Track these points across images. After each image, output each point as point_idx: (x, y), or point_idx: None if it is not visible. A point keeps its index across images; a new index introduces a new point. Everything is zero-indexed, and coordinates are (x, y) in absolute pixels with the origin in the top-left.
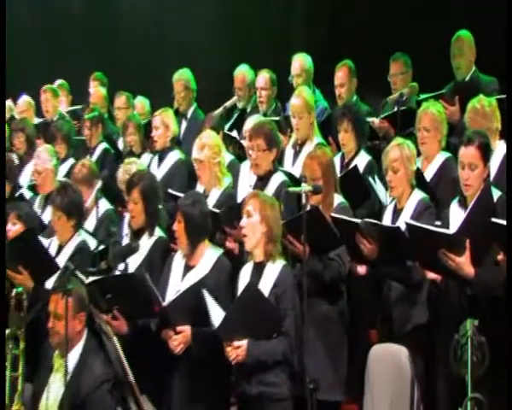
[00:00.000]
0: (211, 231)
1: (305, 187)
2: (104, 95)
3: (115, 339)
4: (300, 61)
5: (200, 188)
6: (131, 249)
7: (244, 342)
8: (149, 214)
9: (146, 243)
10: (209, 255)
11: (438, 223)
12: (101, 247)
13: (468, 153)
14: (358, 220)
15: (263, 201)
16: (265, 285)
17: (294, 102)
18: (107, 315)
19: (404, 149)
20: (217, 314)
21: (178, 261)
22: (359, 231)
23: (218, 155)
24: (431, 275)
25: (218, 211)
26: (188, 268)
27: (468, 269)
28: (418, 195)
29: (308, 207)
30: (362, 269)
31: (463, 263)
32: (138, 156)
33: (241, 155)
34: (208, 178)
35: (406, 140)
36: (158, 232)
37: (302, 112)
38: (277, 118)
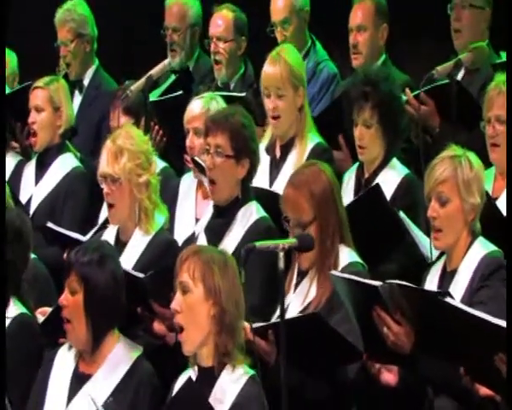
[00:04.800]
0: (125, 311)
1: (284, 242)
2: None
3: None
4: None
5: (110, 230)
6: None
7: None
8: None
9: None
10: (119, 357)
11: None
12: None
13: None
14: (378, 283)
15: (207, 263)
16: None
17: (269, 69)
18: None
19: (462, 166)
20: None
21: (64, 365)
22: (380, 303)
23: (145, 171)
24: (484, 391)
25: (140, 275)
26: (80, 379)
27: None
28: (483, 248)
29: (293, 283)
30: (390, 376)
31: None
32: None
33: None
34: (126, 210)
35: (466, 151)
36: (16, 310)
37: (283, 87)
38: (243, 94)
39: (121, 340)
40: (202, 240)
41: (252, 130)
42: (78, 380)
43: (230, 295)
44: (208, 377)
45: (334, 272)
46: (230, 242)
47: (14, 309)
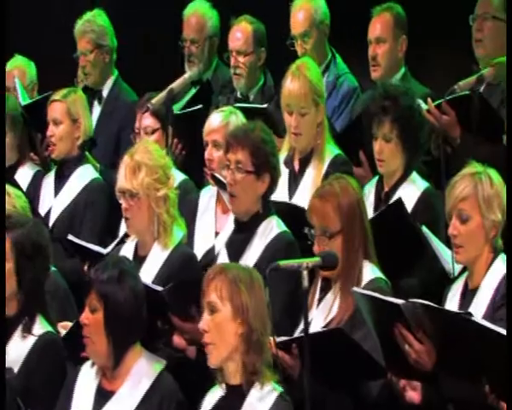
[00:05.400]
0: (145, 326)
1: (308, 261)
2: None
3: None
4: (307, 9)
5: (129, 245)
6: None
7: None
8: (25, 293)
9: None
10: (142, 372)
11: None
12: None
13: None
14: (400, 301)
15: (234, 282)
16: None
17: (290, 86)
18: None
19: (482, 183)
20: None
21: (87, 382)
22: (402, 321)
23: (163, 185)
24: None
25: (159, 289)
26: (103, 396)
27: None
28: (505, 265)
29: (316, 298)
30: (414, 394)
31: None
32: (12, 171)
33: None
34: (145, 225)
35: (487, 168)
36: (42, 328)
37: (306, 106)
38: (265, 105)
39: (144, 354)
40: (223, 255)
41: (272, 145)
42: (102, 397)
43: (257, 313)
44: (237, 395)
45: (356, 288)
46: (251, 256)
47: (39, 327)
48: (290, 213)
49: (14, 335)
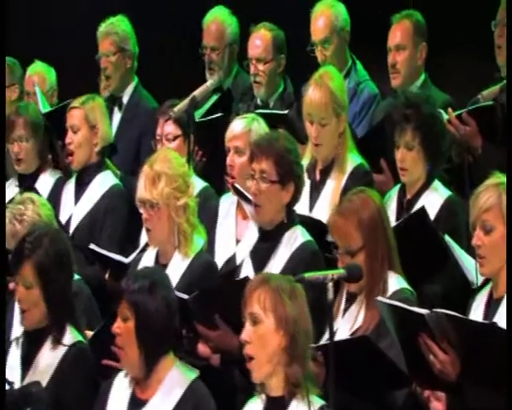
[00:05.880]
0: (177, 336)
1: (333, 273)
2: None
3: None
4: (327, 16)
5: (150, 253)
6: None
7: None
8: (52, 304)
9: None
10: (174, 381)
11: None
12: None
13: None
14: (425, 311)
15: (277, 293)
16: None
17: (312, 96)
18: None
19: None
20: None
21: (121, 391)
22: (426, 330)
23: (183, 194)
24: None
25: (185, 297)
26: (136, 405)
27: None
28: None
29: (341, 308)
30: (439, 405)
31: None
32: (32, 180)
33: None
34: (165, 234)
35: None
36: (72, 338)
37: (326, 117)
38: (286, 111)
39: (177, 364)
40: (247, 264)
41: (296, 154)
42: (135, 406)
43: (300, 325)
44: (277, 407)
45: (380, 298)
46: (276, 266)
47: (69, 337)
48: (312, 227)
49: (44, 346)
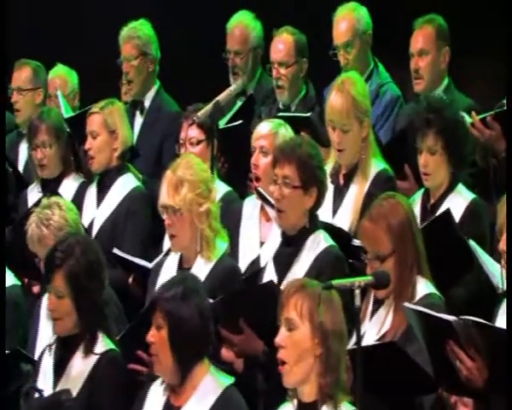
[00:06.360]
0: (212, 342)
1: (360, 280)
2: None
3: None
4: (350, 19)
5: (173, 257)
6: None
7: None
8: (83, 313)
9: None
10: (208, 388)
11: None
12: None
13: None
14: (452, 318)
15: (315, 300)
16: None
17: (334, 102)
18: None
19: None
20: None
21: (156, 398)
22: (453, 337)
23: (206, 199)
24: None
25: (210, 301)
26: None
27: None
28: None
29: (369, 311)
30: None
31: None
32: (56, 184)
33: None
34: (188, 240)
35: None
36: (104, 346)
37: (348, 123)
38: (308, 114)
39: (211, 370)
40: (270, 269)
41: (319, 159)
42: None
43: (336, 334)
44: None
45: (407, 304)
46: (299, 270)
47: (102, 345)
48: (335, 234)
49: (76, 353)
